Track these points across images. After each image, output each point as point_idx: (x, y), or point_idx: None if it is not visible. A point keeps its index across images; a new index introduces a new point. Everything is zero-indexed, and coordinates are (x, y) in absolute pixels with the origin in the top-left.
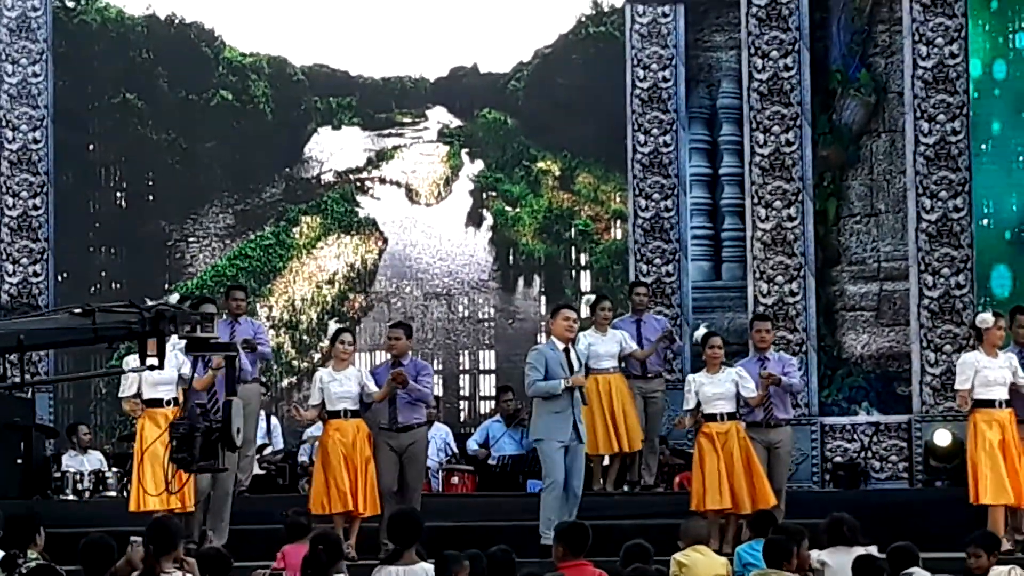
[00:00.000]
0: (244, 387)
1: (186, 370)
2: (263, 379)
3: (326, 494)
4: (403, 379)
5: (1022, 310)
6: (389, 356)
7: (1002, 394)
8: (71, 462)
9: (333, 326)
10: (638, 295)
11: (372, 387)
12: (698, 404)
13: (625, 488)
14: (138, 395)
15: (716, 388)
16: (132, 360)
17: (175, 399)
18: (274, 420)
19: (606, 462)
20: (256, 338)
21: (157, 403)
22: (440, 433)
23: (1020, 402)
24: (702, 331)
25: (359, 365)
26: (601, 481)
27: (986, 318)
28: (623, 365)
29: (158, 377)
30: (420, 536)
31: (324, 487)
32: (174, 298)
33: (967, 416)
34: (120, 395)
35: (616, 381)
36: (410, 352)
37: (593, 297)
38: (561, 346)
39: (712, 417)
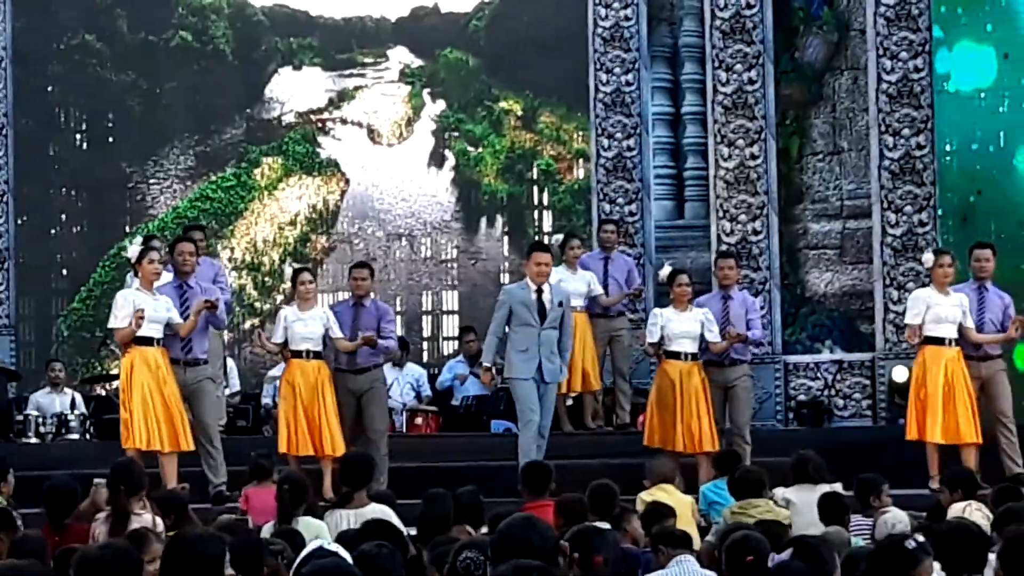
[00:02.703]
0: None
1: (174, 315)
2: None
3: (292, 435)
4: (372, 342)
5: (979, 246)
6: (351, 295)
7: (951, 332)
8: (44, 399)
9: (288, 269)
10: (606, 232)
11: (336, 331)
12: (661, 339)
13: (601, 425)
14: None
15: (683, 326)
16: (128, 294)
17: (160, 340)
18: (231, 362)
19: (569, 403)
20: (216, 279)
21: (148, 341)
22: (412, 374)
23: (967, 341)
24: (667, 270)
25: (323, 306)
26: (570, 425)
27: (927, 257)
28: (586, 304)
29: (153, 314)
30: (370, 479)
31: (286, 428)
32: (134, 251)
33: (916, 352)
34: (111, 325)
35: (579, 320)
36: (372, 292)
37: (562, 236)
38: (533, 287)
39: (675, 355)
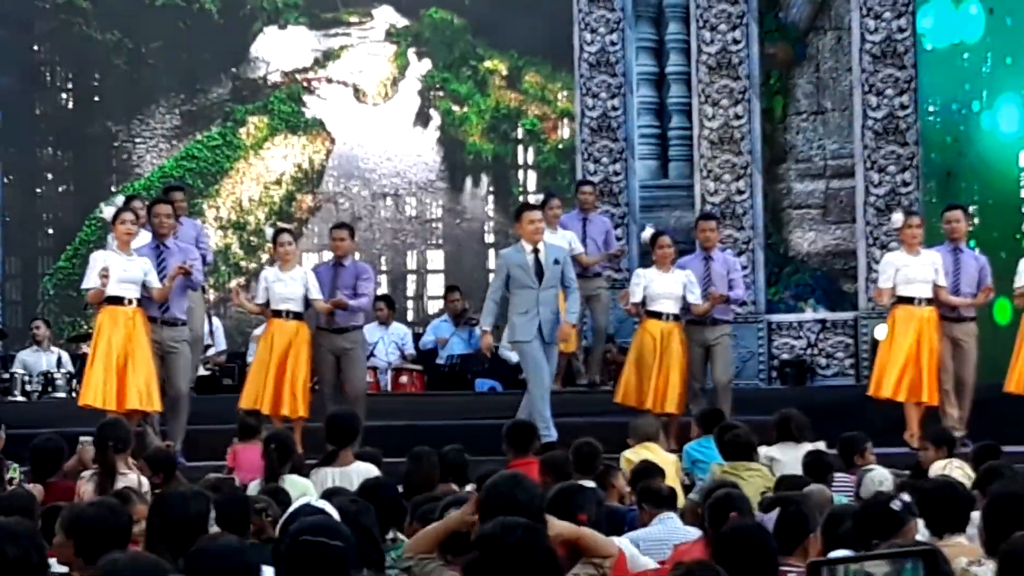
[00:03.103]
0: (190, 294)
1: (152, 278)
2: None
3: (258, 393)
4: (342, 305)
5: (950, 207)
6: (332, 256)
7: (922, 292)
8: (30, 358)
9: (269, 230)
10: (584, 194)
11: (315, 292)
12: (643, 299)
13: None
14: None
15: (665, 287)
16: (100, 254)
17: (137, 300)
18: (216, 321)
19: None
20: (199, 240)
21: (119, 300)
22: (397, 333)
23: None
24: (649, 231)
25: (306, 266)
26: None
27: (896, 217)
28: None
29: (124, 274)
30: (356, 437)
31: (252, 385)
32: (109, 212)
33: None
34: (83, 286)
35: None
36: (354, 253)
37: (542, 196)
38: (528, 248)
39: (656, 315)
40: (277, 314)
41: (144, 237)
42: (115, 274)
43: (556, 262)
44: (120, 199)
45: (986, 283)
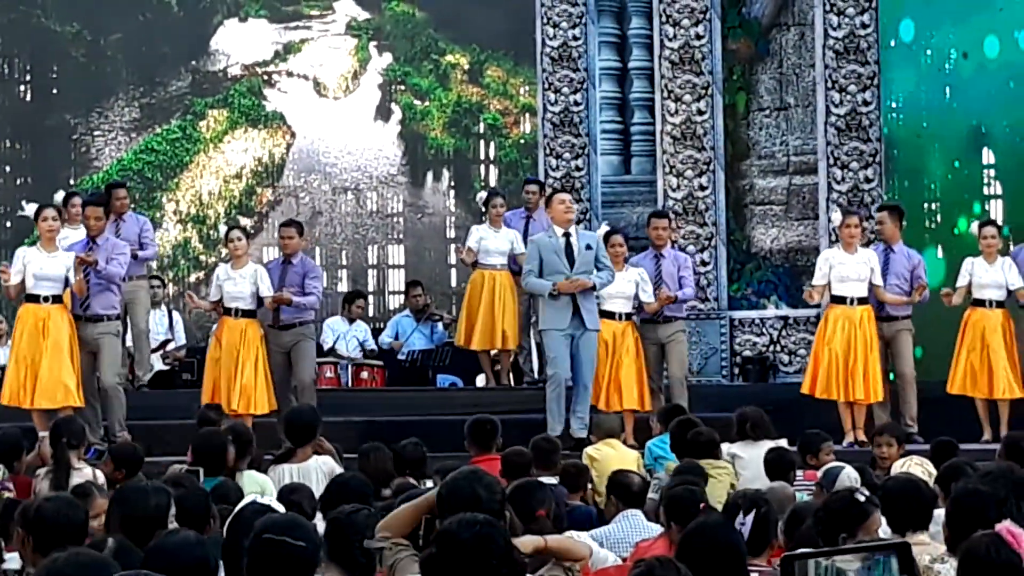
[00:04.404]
0: (129, 283)
1: (71, 273)
2: (155, 274)
3: (212, 390)
4: (287, 300)
5: (880, 209)
6: (281, 254)
7: (856, 291)
8: None
9: (223, 229)
10: (528, 192)
11: (264, 290)
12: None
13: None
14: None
15: (617, 286)
16: (20, 252)
17: (56, 297)
18: (176, 315)
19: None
20: (142, 235)
21: (35, 298)
22: (359, 328)
23: (877, 300)
24: (603, 229)
25: (262, 261)
26: (492, 377)
27: (835, 216)
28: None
29: (41, 271)
30: (314, 435)
31: (208, 383)
32: (59, 196)
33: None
34: (6, 284)
35: (501, 278)
36: (302, 250)
37: (485, 194)
38: (560, 232)
39: (609, 315)
40: (228, 312)
41: (81, 234)
42: (32, 271)
43: (588, 247)
44: (59, 195)
45: (920, 280)
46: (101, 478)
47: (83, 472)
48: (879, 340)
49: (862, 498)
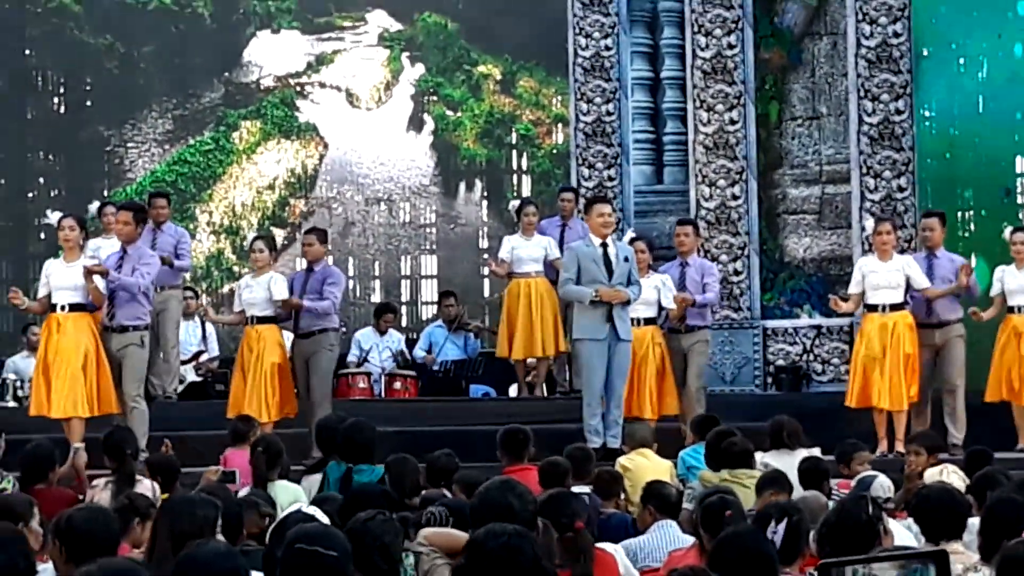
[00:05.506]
0: (162, 293)
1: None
2: (188, 285)
3: (236, 399)
4: (296, 305)
5: (927, 215)
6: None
7: (889, 298)
8: (22, 363)
9: (250, 238)
10: (564, 200)
11: (276, 294)
12: None
13: (558, 392)
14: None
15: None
16: (47, 264)
17: (74, 306)
18: (209, 327)
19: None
20: (178, 246)
21: (54, 308)
22: (394, 340)
23: (918, 305)
24: (629, 235)
25: (294, 271)
26: (525, 388)
27: (868, 224)
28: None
29: (59, 281)
30: (370, 456)
31: (232, 392)
32: (93, 206)
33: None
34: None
35: (537, 285)
36: (326, 258)
37: (518, 202)
38: (598, 242)
39: (633, 321)
40: (248, 321)
41: (115, 243)
42: (53, 281)
43: (626, 259)
44: (94, 205)
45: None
46: (157, 490)
47: (143, 484)
48: (927, 348)
49: (871, 510)
